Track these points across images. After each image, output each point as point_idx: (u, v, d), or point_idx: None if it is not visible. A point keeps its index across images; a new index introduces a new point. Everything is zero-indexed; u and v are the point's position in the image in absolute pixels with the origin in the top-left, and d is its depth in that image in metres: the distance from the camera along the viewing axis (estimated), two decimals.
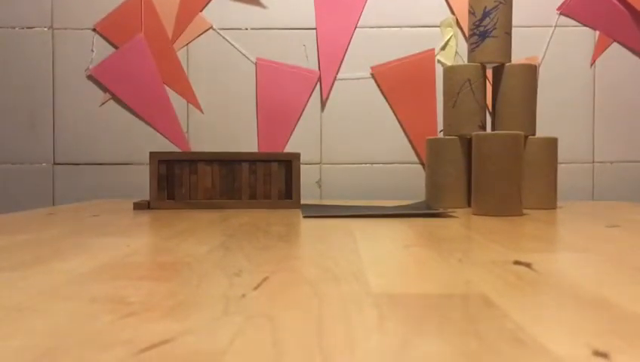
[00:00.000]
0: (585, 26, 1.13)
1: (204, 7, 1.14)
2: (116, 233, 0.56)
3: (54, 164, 1.15)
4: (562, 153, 1.13)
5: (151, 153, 0.86)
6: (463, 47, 1.12)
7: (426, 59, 1.14)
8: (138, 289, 0.31)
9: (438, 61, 1.14)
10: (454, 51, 1.14)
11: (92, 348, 0.21)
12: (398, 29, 1.14)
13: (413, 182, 1.13)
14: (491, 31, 0.85)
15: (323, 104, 1.15)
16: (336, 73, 1.14)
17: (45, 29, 1.15)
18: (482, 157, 0.74)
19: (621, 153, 1.15)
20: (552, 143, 0.87)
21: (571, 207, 0.90)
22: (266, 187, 0.87)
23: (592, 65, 1.14)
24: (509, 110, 0.88)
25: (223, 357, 0.20)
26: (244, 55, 1.15)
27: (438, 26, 1.14)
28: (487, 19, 0.85)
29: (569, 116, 1.15)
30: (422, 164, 1.13)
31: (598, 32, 1.13)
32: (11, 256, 0.42)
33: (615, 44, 1.13)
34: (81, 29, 1.14)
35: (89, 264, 0.39)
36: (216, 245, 0.48)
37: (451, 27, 1.14)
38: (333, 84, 1.14)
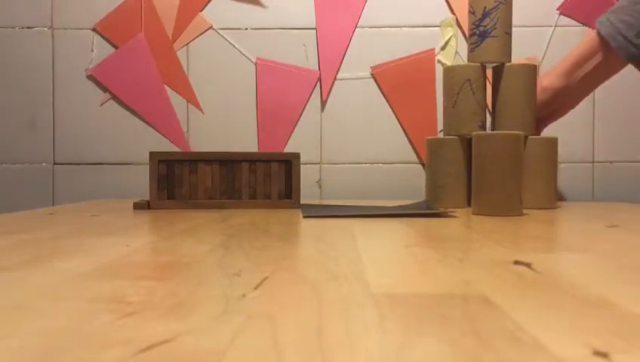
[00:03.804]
0: (585, 25, 1.13)
1: (204, 7, 1.14)
2: (116, 233, 0.56)
3: (54, 164, 1.15)
4: (562, 153, 1.13)
5: (151, 153, 0.86)
6: (463, 47, 1.12)
7: (426, 59, 1.14)
8: (138, 289, 0.31)
9: (438, 61, 1.14)
10: (454, 51, 1.14)
11: (92, 348, 0.21)
12: (398, 29, 1.14)
13: (413, 182, 1.13)
14: (491, 31, 0.85)
15: (323, 104, 1.15)
16: (336, 73, 1.14)
17: (45, 29, 1.15)
18: (482, 157, 0.74)
19: (621, 153, 1.15)
20: (552, 143, 0.87)
21: (571, 207, 0.90)
22: (266, 187, 0.87)
23: None
24: (509, 110, 0.87)
25: (223, 357, 0.20)
26: (244, 55, 1.15)
27: (438, 26, 1.14)
28: (487, 19, 0.85)
29: (569, 116, 1.15)
30: (422, 164, 1.13)
31: None
32: (11, 256, 0.42)
33: None
34: (81, 29, 1.14)
35: (89, 264, 0.39)
36: (216, 245, 0.48)
37: (451, 27, 1.14)
38: (333, 84, 1.14)
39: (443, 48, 1.14)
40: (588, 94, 0.96)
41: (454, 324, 0.24)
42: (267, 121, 1.15)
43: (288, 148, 1.14)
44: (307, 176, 1.14)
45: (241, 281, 0.33)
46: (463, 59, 1.13)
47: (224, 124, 1.15)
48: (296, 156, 0.87)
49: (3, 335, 0.23)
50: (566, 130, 1.14)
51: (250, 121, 1.15)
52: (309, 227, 0.61)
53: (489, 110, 0.94)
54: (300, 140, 1.14)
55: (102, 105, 1.15)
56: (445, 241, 0.50)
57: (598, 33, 0.88)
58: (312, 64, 1.14)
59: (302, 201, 0.89)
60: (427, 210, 0.76)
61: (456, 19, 1.14)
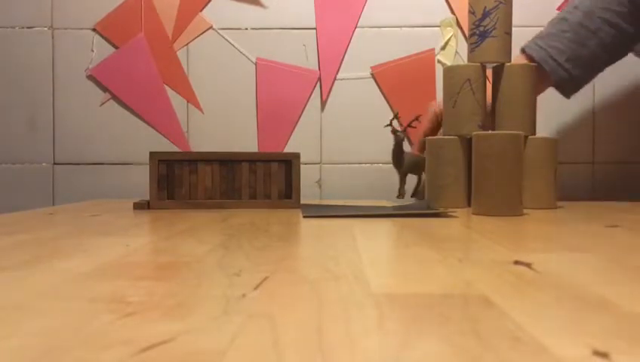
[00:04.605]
0: None
1: (204, 7, 1.14)
2: (116, 233, 0.56)
3: (54, 164, 1.15)
4: (562, 153, 1.13)
5: (151, 153, 0.86)
6: (463, 47, 1.12)
7: (426, 59, 1.14)
8: (138, 289, 0.31)
9: (438, 61, 1.14)
10: (454, 51, 1.14)
11: (92, 348, 0.21)
12: (398, 29, 1.14)
13: (413, 182, 1.13)
14: (491, 31, 0.85)
15: (323, 104, 1.15)
16: (336, 73, 1.14)
17: (45, 28, 1.15)
18: (482, 157, 0.74)
19: (621, 153, 1.15)
20: (552, 143, 0.87)
21: (571, 207, 0.90)
22: (266, 187, 0.87)
23: None
24: (509, 110, 0.87)
25: (223, 357, 0.20)
26: (244, 55, 1.15)
27: (438, 26, 1.14)
28: (487, 19, 0.85)
29: (569, 116, 1.15)
30: None
31: None
32: (11, 256, 0.42)
33: None
34: (81, 29, 1.14)
35: (89, 264, 0.39)
36: (216, 245, 0.48)
37: (451, 27, 1.14)
38: (333, 84, 1.14)
39: (443, 48, 1.14)
40: None
41: (454, 324, 0.24)
42: (267, 121, 1.15)
43: (288, 148, 1.14)
44: (307, 176, 1.14)
45: (241, 281, 0.33)
46: (462, 59, 1.13)
47: (224, 124, 1.15)
48: (296, 156, 0.87)
49: (3, 335, 0.23)
50: (566, 130, 1.14)
51: (250, 121, 1.15)
52: (309, 227, 0.61)
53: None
54: (300, 140, 1.14)
55: (102, 105, 1.15)
56: (445, 241, 0.50)
57: (530, 58, 0.93)
58: (312, 64, 1.14)
59: (302, 201, 0.89)
60: (427, 210, 0.76)
61: (456, 19, 1.14)
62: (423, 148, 0.98)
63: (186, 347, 0.22)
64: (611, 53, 0.94)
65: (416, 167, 0.96)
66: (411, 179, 1.00)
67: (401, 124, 1.07)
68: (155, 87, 1.14)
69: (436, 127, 0.98)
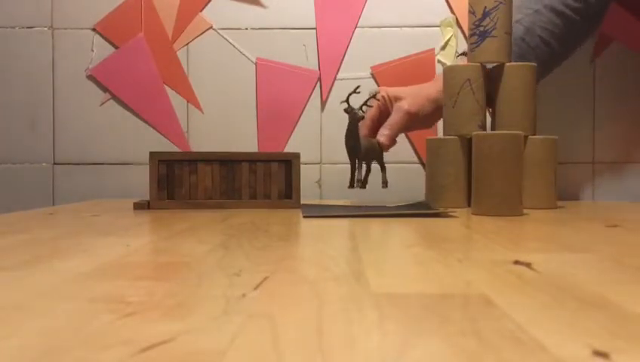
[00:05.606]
0: None
1: (204, 7, 1.14)
2: (116, 233, 0.56)
3: (54, 164, 1.15)
4: (562, 153, 1.13)
5: (151, 153, 0.86)
6: (463, 47, 1.12)
7: (426, 59, 1.14)
8: (138, 289, 0.31)
9: (438, 61, 1.14)
10: (454, 51, 1.14)
11: (92, 348, 0.21)
12: (398, 29, 1.14)
13: (413, 182, 1.13)
14: (491, 31, 0.85)
15: (323, 104, 1.15)
16: (337, 73, 1.14)
17: (45, 28, 1.15)
18: (482, 157, 0.74)
19: (621, 153, 1.15)
20: (552, 143, 0.87)
21: (571, 207, 0.90)
22: (266, 187, 0.87)
23: (592, 64, 1.14)
24: (509, 110, 0.87)
25: (223, 357, 0.20)
26: (244, 55, 1.15)
27: (438, 26, 1.14)
28: (487, 19, 0.85)
29: (569, 116, 1.15)
30: (422, 164, 1.13)
31: (597, 31, 1.13)
32: (11, 256, 0.42)
33: (615, 43, 1.13)
34: (81, 29, 1.14)
35: (89, 264, 0.39)
36: (216, 245, 0.48)
37: (451, 27, 1.14)
38: (333, 84, 1.14)
39: (443, 48, 1.14)
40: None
41: (454, 324, 0.24)
42: (267, 121, 1.15)
43: (288, 148, 1.14)
44: (307, 176, 1.14)
45: (241, 281, 0.33)
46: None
47: (224, 124, 1.15)
48: (296, 156, 0.87)
49: (3, 335, 0.23)
50: (566, 130, 1.14)
51: (250, 121, 1.15)
52: (309, 227, 0.61)
53: (489, 110, 0.94)
54: (300, 140, 1.14)
55: (102, 105, 1.15)
56: (445, 241, 0.50)
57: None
58: (312, 64, 1.14)
59: (302, 201, 0.89)
60: (427, 210, 0.76)
61: (456, 19, 1.14)
62: (372, 132, 0.93)
63: (186, 347, 0.22)
64: (545, 68, 0.97)
65: (370, 153, 0.88)
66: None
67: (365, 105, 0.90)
68: (155, 87, 1.14)
69: (384, 112, 0.93)
